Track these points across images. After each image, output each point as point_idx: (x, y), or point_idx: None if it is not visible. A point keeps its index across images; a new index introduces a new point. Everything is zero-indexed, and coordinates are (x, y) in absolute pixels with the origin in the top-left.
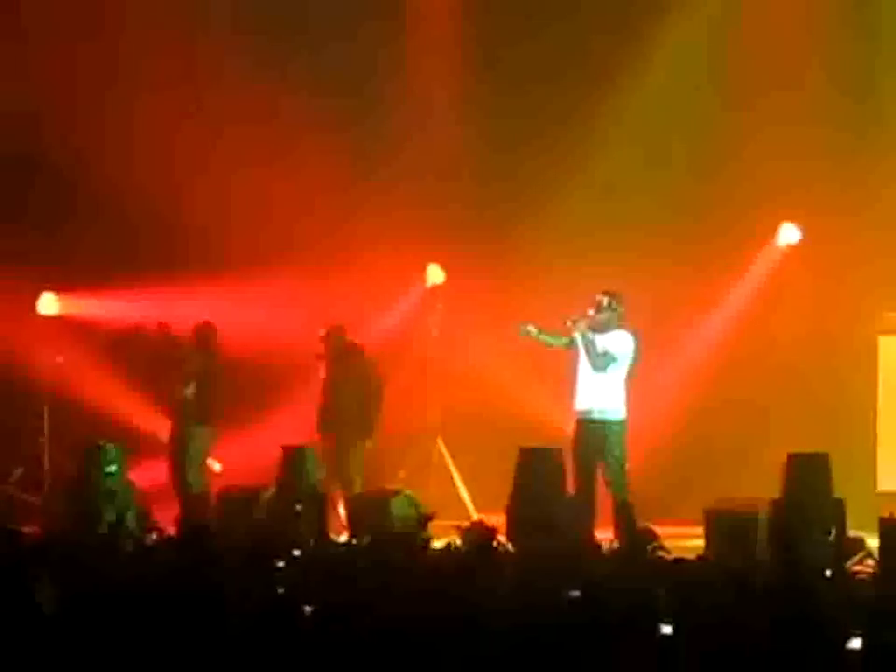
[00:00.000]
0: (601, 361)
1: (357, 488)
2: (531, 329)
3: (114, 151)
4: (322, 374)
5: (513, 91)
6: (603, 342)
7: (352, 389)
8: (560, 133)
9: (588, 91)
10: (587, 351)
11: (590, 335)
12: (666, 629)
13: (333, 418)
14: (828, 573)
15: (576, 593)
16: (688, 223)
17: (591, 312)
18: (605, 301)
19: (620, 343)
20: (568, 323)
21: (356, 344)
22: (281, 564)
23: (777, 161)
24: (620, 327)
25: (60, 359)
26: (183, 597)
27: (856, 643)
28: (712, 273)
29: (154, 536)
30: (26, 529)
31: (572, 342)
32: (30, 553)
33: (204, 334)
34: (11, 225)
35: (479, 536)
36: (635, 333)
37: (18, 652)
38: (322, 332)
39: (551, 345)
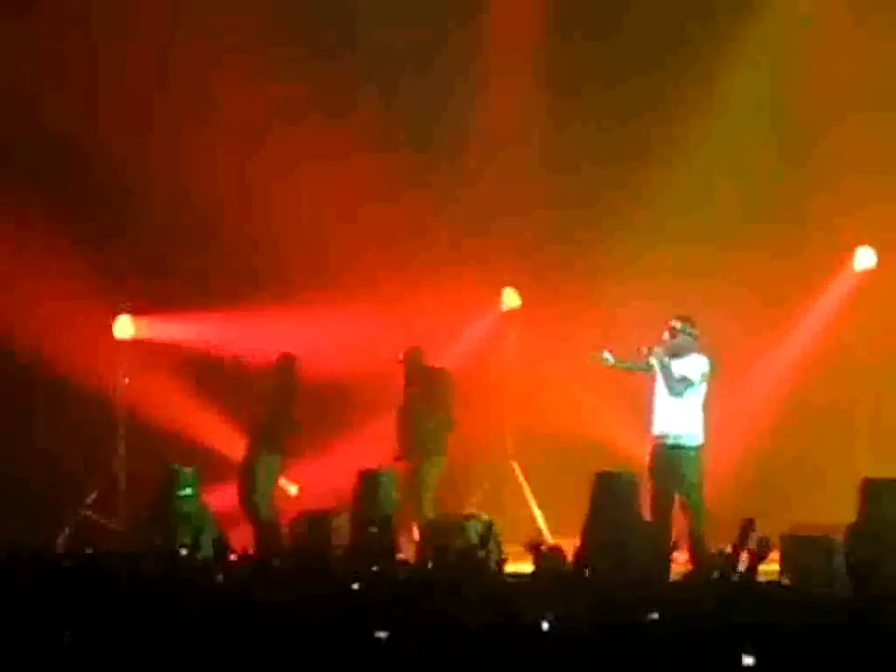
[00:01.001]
0: (679, 387)
1: (428, 510)
2: (606, 356)
3: (194, 177)
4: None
5: (589, 121)
6: (680, 366)
7: (429, 411)
8: (637, 160)
9: (663, 120)
10: (665, 377)
11: (667, 360)
12: (748, 660)
13: (410, 440)
14: None
15: (654, 615)
16: (765, 247)
17: (665, 336)
18: (679, 325)
19: (697, 367)
20: (644, 349)
21: (435, 367)
22: (355, 586)
23: (853, 187)
24: (695, 350)
25: (126, 380)
26: (253, 620)
27: None
28: (790, 295)
29: (231, 558)
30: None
31: (649, 367)
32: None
33: (286, 364)
34: (89, 248)
35: (553, 560)
36: (711, 356)
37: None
38: (400, 356)
39: (629, 370)
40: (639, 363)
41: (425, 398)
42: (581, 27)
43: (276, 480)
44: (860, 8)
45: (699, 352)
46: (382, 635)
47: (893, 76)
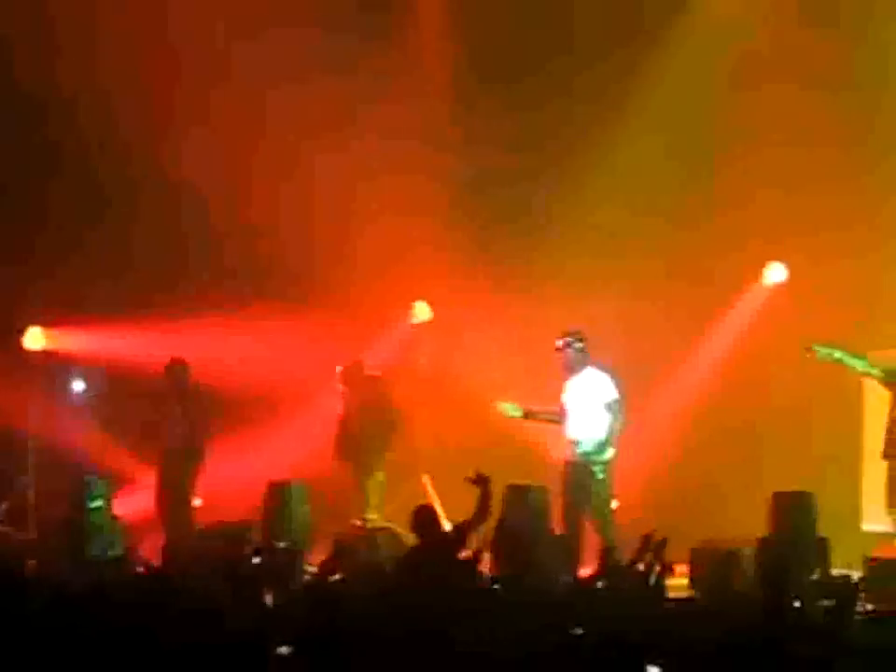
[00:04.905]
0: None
1: (380, 515)
2: (512, 410)
3: (105, 180)
4: (340, 408)
5: (504, 122)
6: (581, 385)
7: (374, 418)
8: (549, 173)
9: (580, 129)
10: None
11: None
12: (653, 670)
13: (357, 447)
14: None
15: (578, 631)
16: (679, 262)
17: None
18: (565, 341)
19: (600, 385)
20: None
21: (373, 375)
22: (264, 599)
23: (764, 201)
24: (588, 364)
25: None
26: (162, 631)
27: None
28: (700, 311)
29: (141, 569)
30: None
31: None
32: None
33: (177, 372)
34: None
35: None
36: (608, 371)
37: None
38: (339, 368)
39: (543, 420)
40: (554, 414)
41: (366, 404)
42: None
43: (194, 488)
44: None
45: (594, 366)
46: (284, 650)
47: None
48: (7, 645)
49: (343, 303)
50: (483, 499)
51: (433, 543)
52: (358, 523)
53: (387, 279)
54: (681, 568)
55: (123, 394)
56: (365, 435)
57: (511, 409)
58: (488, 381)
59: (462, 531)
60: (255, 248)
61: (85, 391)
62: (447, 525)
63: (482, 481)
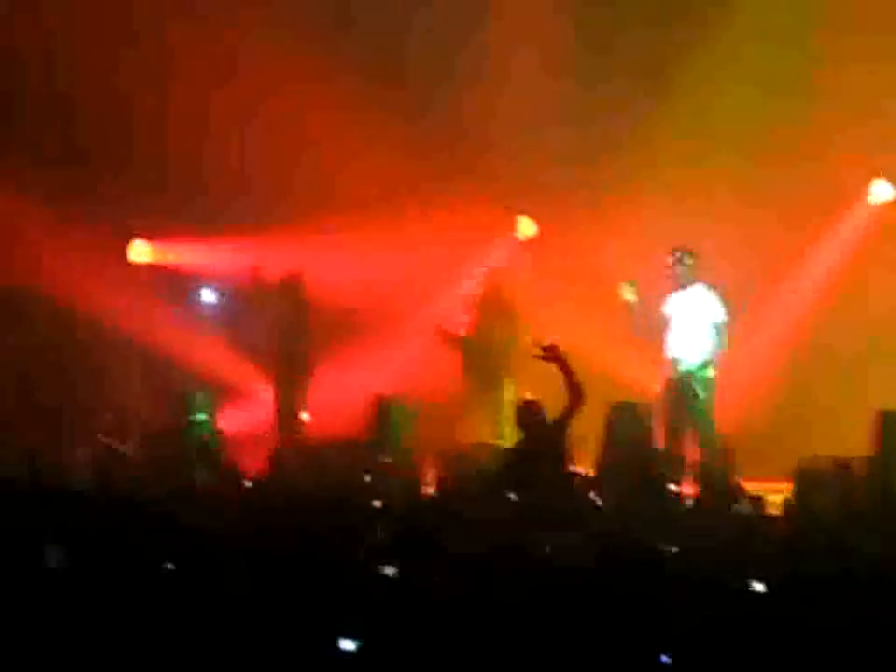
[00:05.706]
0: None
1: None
2: (633, 293)
3: (202, 102)
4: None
5: (607, 43)
6: (688, 301)
7: (503, 334)
8: (653, 86)
9: (679, 40)
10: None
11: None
12: (759, 586)
13: (486, 364)
14: None
15: (675, 549)
16: (782, 180)
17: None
18: (676, 255)
19: (709, 304)
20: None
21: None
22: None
23: (868, 118)
24: (696, 280)
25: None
26: (263, 545)
27: None
28: (805, 227)
29: (246, 483)
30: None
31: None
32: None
33: (291, 283)
34: (105, 173)
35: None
36: (716, 290)
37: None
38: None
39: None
40: (652, 321)
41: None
42: None
43: (302, 402)
44: None
45: (702, 284)
46: (389, 571)
47: None
48: (114, 563)
49: (449, 219)
50: (565, 375)
51: (536, 436)
52: (475, 439)
53: (493, 194)
54: (784, 487)
55: (239, 308)
56: (494, 352)
57: (629, 291)
58: (590, 298)
59: (561, 420)
60: (361, 162)
61: (214, 304)
62: None
63: (550, 353)
